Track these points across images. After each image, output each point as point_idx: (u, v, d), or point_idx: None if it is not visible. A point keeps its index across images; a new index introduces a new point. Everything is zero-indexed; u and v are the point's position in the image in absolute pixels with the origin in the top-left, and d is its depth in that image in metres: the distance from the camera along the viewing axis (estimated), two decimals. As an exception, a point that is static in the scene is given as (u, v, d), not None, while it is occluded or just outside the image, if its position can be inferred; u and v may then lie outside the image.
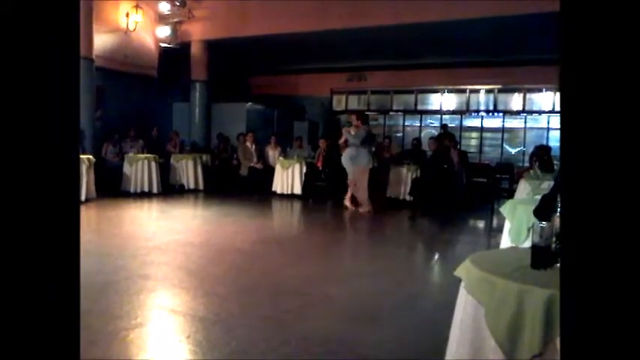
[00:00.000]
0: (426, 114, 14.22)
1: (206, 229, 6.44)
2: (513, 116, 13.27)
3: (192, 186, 9.75)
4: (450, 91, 13.74)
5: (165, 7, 10.96)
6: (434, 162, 8.68)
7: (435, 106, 14.00)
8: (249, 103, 12.19)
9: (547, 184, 4.78)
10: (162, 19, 11.05)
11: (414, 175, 8.83)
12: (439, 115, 13.98)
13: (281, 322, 3.06)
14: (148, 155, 9.05)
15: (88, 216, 6.85)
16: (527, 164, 9.47)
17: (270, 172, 9.76)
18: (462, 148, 11.25)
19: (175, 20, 11.06)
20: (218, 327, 2.95)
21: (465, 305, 1.75)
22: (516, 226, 3.66)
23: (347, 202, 7.90)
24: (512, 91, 13.02)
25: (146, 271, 4.17)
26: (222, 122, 11.55)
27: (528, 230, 3.44)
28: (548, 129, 12.61)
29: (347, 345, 2.75)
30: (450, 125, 12.98)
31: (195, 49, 11.36)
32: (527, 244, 3.03)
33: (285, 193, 9.27)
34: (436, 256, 5.65)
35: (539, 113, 12.83)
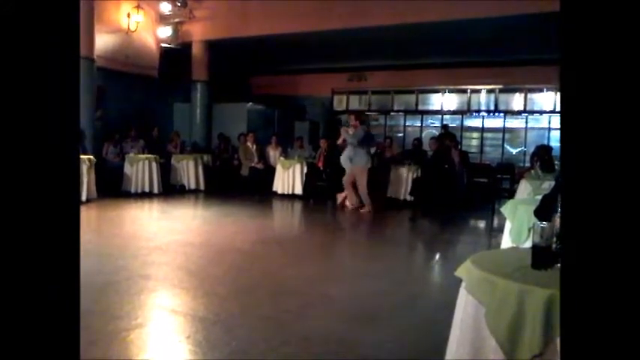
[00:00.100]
0: (427, 114, 14.22)
1: (207, 229, 6.44)
2: (514, 116, 13.27)
3: (193, 186, 9.75)
4: (451, 91, 13.74)
5: (166, 8, 10.97)
6: (435, 162, 8.68)
7: (435, 106, 14.00)
8: (250, 104, 12.20)
9: (548, 184, 4.77)
10: (163, 19, 11.06)
11: (414, 175, 8.83)
12: (440, 115, 13.98)
13: (281, 322, 3.06)
14: (149, 155, 9.06)
15: (88, 216, 6.85)
16: (528, 164, 9.46)
17: (270, 172, 9.76)
18: (463, 148, 11.24)
19: (176, 20, 11.08)
20: (218, 327, 2.95)
21: (465, 305, 1.75)
22: (517, 226, 3.66)
23: (340, 201, 7.95)
24: (514, 91, 13.02)
25: (147, 271, 4.17)
26: (223, 122, 11.56)
27: (529, 230, 3.44)
28: (549, 129, 12.61)
29: (347, 345, 2.75)
30: (450, 125, 13.00)
31: (196, 50, 11.37)
32: (528, 244, 3.03)
33: (285, 193, 9.27)
34: (437, 257, 5.65)
35: (540, 113, 12.82)
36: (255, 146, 10.22)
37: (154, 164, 8.93)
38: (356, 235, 6.92)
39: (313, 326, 3.03)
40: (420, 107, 14.16)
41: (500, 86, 13.04)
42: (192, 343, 2.70)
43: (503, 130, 13.36)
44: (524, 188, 5.86)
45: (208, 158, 10.64)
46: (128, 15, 10.10)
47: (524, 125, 13.12)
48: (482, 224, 7.84)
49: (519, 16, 8.06)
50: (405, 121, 14.53)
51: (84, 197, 7.45)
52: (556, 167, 6.70)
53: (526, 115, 12.99)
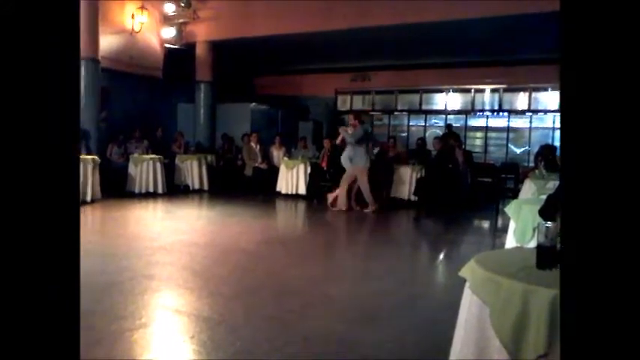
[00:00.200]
0: (431, 114, 14.18)
1: (211, 229, 6.45)
2: (518, 116, 13.20)
3: (196, 186, 9.78)
4: (454, 91, 13.70)
5: (170, 8, 10.99)
6: (438, 162, 8.66)
7: (439, 106, 13.96)
8: (254, 104, 12.21)
9: (552, 184, 4.76)
10: (167, 20, 11.08)
11: (418, 175, 8.81)
12: (444, 115, 13.93)
13: (285, 323, 3.06)
14: (153, 156, 9.08)
15: (93, 216, 6.88)
16: (532, 164, 9.43)
17: (274, 172, 9.77)
18: (467, 148, 11.21)
19: (180, 21, 11.09)
20: (222, 327, 2.95)
21: (469, 305, 1.74)
22: (521, 226, 3.64)
23: (330, 200, 7.96)
24: (518, 90, 12.96)
25: (151, 271, 4.18)
26: (227, 123, 11.57)
27: (533, 230, 3.42)
28: (553, 128, 12.54)
29: (350, 345, 2.74)
30: (454, 125, 12.93)
31: (200, 50, 11.39)
32: (533, 244, 3.02)
33: (289, 193, 9.27)
34: (440, 256, 5.63)
35: (544, 112, 12.76)
36: (258, 146, 10.23)
37: (158, 164, 8.95)
38: (359, 235, 6.91)
39: (317, 326, 3.02)
40: (424, 107, 14.12)
41: (504, 86, 12.99)
42: (196, 343, 2.70)
43: (508, 129, 13.30)
44: (528, 188, 5.84)
45: (212, 158, 10.66)
46: (132, 16, 10.13)
47: (528, 125, 13.06)
48: (486, 224, 7.82)
49: (521, 16, 8.03)
50: (408, 120, 14.50)
51: (88, 198, 7.48)
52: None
53: (530, 114, 12.92)
